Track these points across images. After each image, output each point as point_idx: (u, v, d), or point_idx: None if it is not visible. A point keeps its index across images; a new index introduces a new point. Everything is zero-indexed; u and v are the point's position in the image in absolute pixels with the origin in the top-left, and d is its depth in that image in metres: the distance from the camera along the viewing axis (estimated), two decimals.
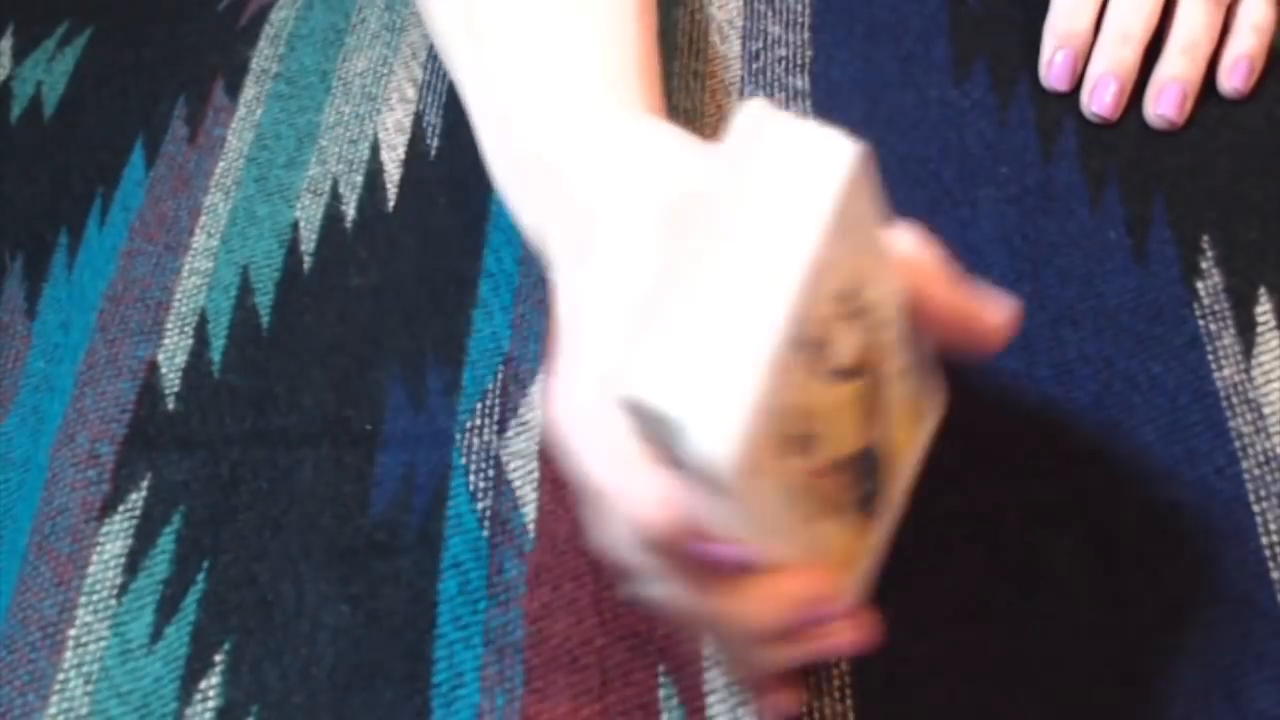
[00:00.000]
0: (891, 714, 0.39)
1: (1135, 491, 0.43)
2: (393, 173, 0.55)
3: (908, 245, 0.36)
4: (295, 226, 0.54)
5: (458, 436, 0.47)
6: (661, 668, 0.40)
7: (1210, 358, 0.46)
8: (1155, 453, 0.44)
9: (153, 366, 0.50)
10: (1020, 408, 0.45)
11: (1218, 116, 0.54)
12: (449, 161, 0.55)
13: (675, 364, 0.29)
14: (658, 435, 0.30)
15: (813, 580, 0.35)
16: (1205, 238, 0.49)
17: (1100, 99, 0.53)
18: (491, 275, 0.51)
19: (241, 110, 0.59)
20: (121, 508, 0.46)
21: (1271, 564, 0.41)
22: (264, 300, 0.52)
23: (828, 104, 0.55)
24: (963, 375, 0.46)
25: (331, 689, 0.41)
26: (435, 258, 0.52)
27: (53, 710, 0.41)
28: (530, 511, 0.44)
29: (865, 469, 0.37)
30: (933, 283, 0.35)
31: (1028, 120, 0.54)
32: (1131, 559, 0.42)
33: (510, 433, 0.46)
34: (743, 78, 0.57)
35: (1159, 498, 0.43)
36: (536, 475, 0.45)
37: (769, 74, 0.57)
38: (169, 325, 0.51)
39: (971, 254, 0.50)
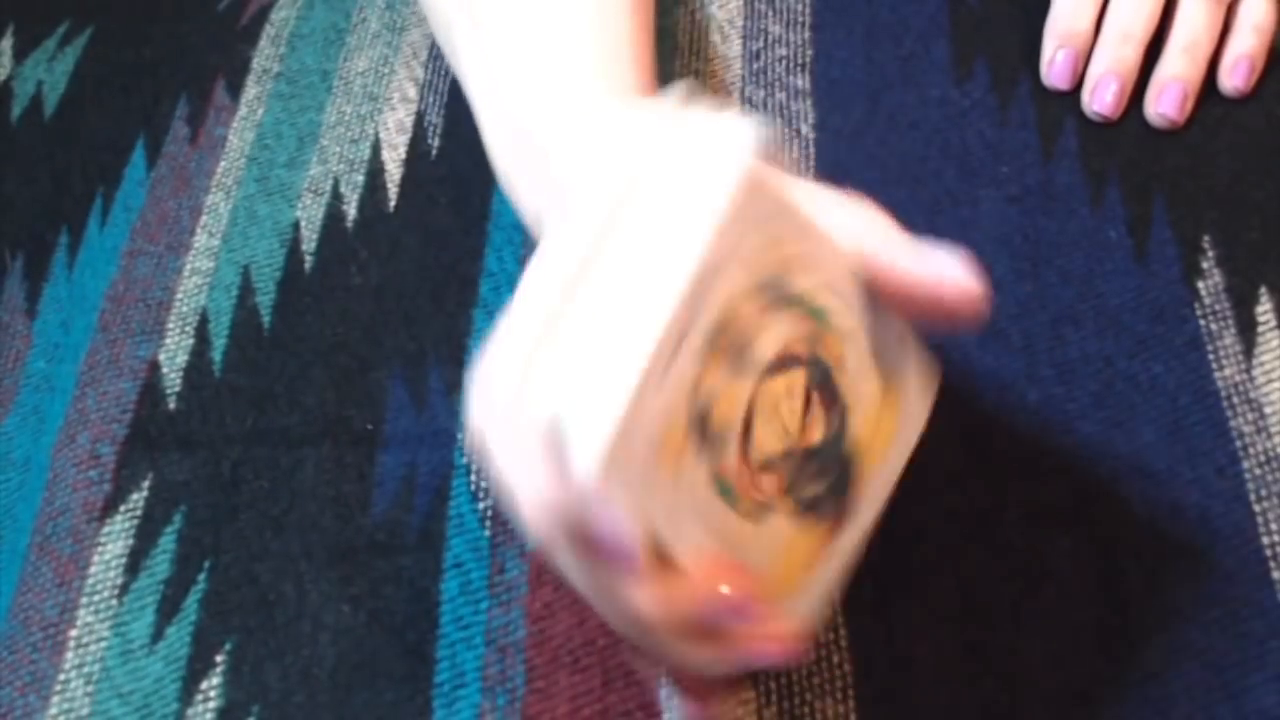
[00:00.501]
0: (892, 714, 0.39)
1: (1135, 491, 0.43)
2: (394, 172, 0.55)
3: (855, 222, 0.35)
4: (296, 226, 0.54)
5: (459, 436, 0.47)
6: (662, 668, 0.41)
7: (1211, 357, 0.46)
8: (1155, 453, 0.44)
9: (154, 366, 0.50)
10: (1021, 408, 0.45)
11: (1218, 116, 0.54)
12: (450, 161, 0.55)
13: (562, 371, 0.30)
14: (549, 437, 0.30)
15: (724, 578, 0.34)
16: (1206, 237, 0.49)
17: (1101, 98, 0.53)
18: (493, 275, 0.51)
19: (243, 110, 0.59)
20: (123, 508, 0.46)
21: (1272, 564, 0.41)
22: (265, 300, 0.52)
23: (828, 103, 0.56)
24: (963, 375, 0.47)
25: (333, 689, 0.41)
26: (436, 257, 0.52)
27: (54, 710, 0.41)
28: None
29: (819, 467, 0.36)
30: (887, 256, 0.35)
31: (1028, 120, 0.54)
32: (1131, 559, 0.42)
33: None
34: (743, 77, 0.57)
35: (1159, 498, 0.43)
36: None
37: (769, 73, 0.57)
38: (170, 325, 0.51)
39: (972, 254, 0.50)
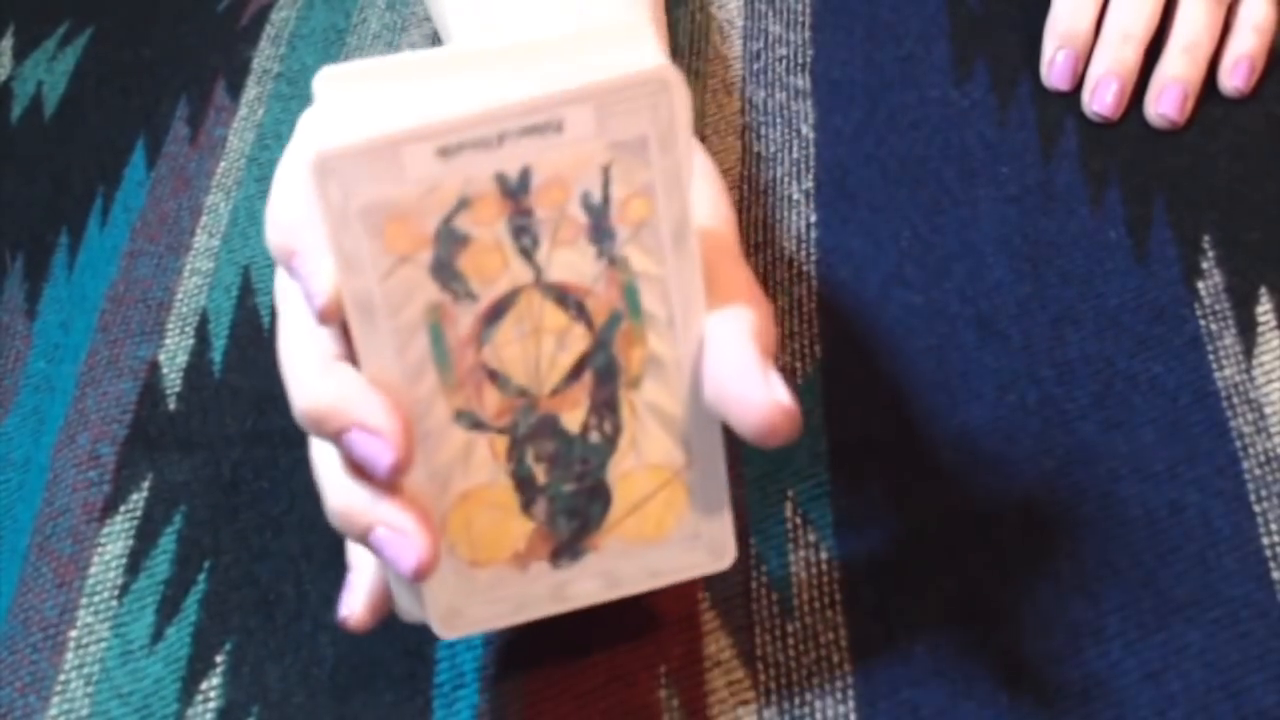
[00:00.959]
0: (892, 714, 0.39)
1: (1135, 491, 0.43)
2: None
3: (743, 319, 0.34)
4: None
5: None
6: (663, 669, 0.41)
7: (1211, 358, 0.46)
8: (1156, 453, 0.44)
9: (154, 367, 0.50)
10: (1021, 408, 0.45)
11: (1218, 116, 0.54)
12: None
13: (358, 123, 0.31)
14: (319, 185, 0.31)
15: (387, 415, 0.32)
16: (1206, 238, 0.49)
17: (1101, 99, 0.53)
18: None
19: (243, 110, 0.59)
20: (123, 508, 0.46)
21: (1272, 564, 0.41)
22: (265, 300, 0.52)
23: (828, 103, 0.56)
24: (963, 375, 0.47)
25: (333, 689, 0.41)
26: None
27: (54, 711, 0.41)
28: None
29: (557, 455, 0.35)
30: (743, 379, 0.33)
31: (1028, 120, 0.54)
32: (1131, 559, 0.42)
33: None
34: (743, 77, 0.57)
35: (1159, 498, 0.43)
36: None
37: (769, 73, 0.57)
38: (170, 325, 0.51)
39: (972, 254, 0.50)
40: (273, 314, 0.51)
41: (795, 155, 0.54)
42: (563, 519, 0.36)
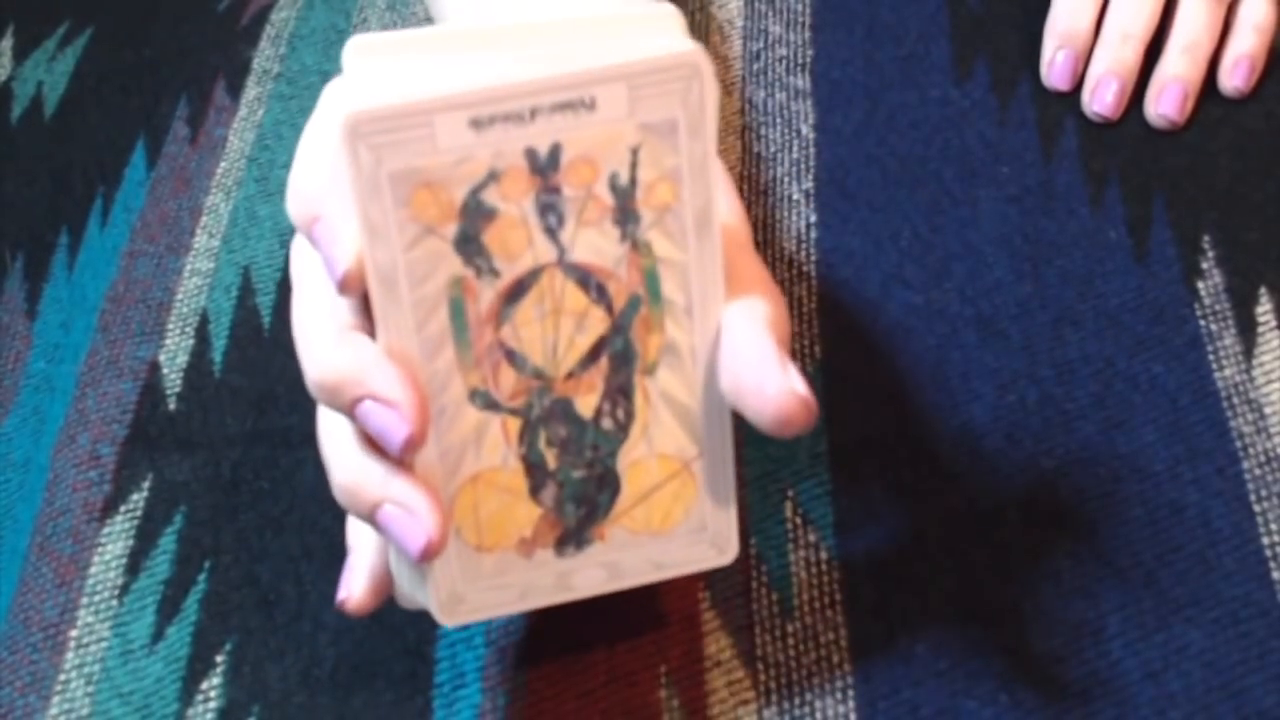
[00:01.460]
0: (892, 714, 0.39)
1: (1135, 491, 0.43)
2: None
3: (759, 313, 0.34)
4: None
5: None
6: (663, 669, 0.41)
7: (1211, 358, 0.46)
8: (1156, 453, 0.44)
9: (154, 367, 0.50)
10: (1021, 408, 0.46)
11: (1218, 116, 0.54)
12: None
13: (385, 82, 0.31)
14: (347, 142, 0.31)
15: (404, 389, 0.32)
16: (1206, 238, 0.49)
17: (1101, 98, 0.53)
18: None
19: (243, 110, 0.59)
20: (123, 508, 0.46)
21: (1272, 564, 0.41)
22: (265, 300, 0.52)
23: (828, 103, 0.56)
24: (963, 375, 0.47)
25: (333, 689, 0.41)
26: None
27: (54, 711, 0.41)
28: None
29: (569, 440, 0.35)
30: (758, 370, 0.33)
31: (1028, 120, 0.54)
32: (1131, 559, 0.42)
33: None
34: (743, 77, 0.57)
35: (1159, 498, 0.43)
36: None
37: (769, 74, 0.57)
38: (170, 326, 0.51)
39: (972, 254, 0.50)
40: (273, 314, 0.51)
41: (795, 155, 0.54)
42: (571, 506, 0.36)
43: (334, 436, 0.35)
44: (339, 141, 0.31)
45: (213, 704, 0.41)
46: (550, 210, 0.32)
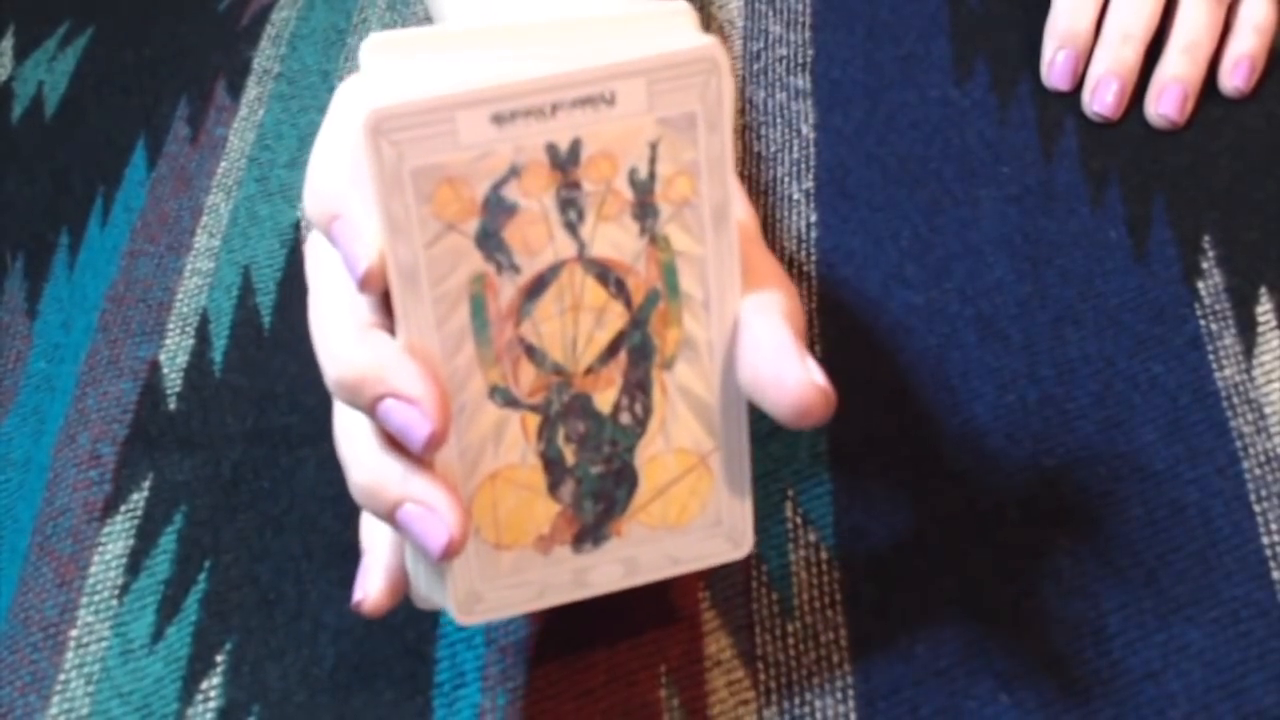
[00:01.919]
0: (892, 714, 0.39)
1: (1135, 491, 0.43)
2: None
3: (777, 303, 0.34)
4: (297, 226, 0.54)
5: None
6: (663, 668, 0.41)
7: (1211, 357, 0.46)
8: (1156, 452, 0.44)
9: (154, 366, 0.50)
10: (1021, 407, 0.46)
11: (1219, 116, 0.54)
12: None
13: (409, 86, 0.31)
14: (370, 144, 0.31)
15: (426, 386, 0.32)
16: (1206, 237, 0.49)
17: (1102, 98, 0.53)
18: None
19: (243, 110, 0.59)
20: (123, 508, 0.46)
21: (1272, 564, 0.41)
22: (265, 300, 0.52)
23: (828, 103, 0.56)
24: (963, 375, 0.47)
25: (333, 689, 0.41)
26: None
27: (54, 711, 0.41)
28: None
29: (587, 434, 0.35)
30: (777, 361, 0.33)
31: (1028, 120, 0.54)
32: (1131, 559, 0.42)
33: None
34: (743, 77, 0.57)
35: (1159, 498, 0.43)
36: None
37: (770, 73, 0.57)
38: (170, 325, 0.51)
39: (972, 254, 0.50)
40: (273, 313, 0.51)
41: (795, 155, 0.54)
42: (589, 502, 0.36)
43: (352, 436, 0.34)
44: (361, 138, 0.31)
45: (213, 704, 0.41)
46: (570, 205, 0.32)
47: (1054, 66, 0.55)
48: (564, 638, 0.41)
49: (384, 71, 0.32)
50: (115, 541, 0.45)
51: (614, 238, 0.33)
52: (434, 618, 0.42)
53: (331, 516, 0.45)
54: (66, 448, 0.48)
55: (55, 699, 0.41)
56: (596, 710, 0.40)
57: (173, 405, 0.49)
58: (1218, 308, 0.47)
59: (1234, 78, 0.54)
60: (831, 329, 0.48)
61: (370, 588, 0.37)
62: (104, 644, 0.43)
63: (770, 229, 0.52)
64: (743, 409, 0.36)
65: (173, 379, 0.49)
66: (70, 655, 0.42)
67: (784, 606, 0.42)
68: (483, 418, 0.34)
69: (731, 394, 0.35)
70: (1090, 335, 0.47)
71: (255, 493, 0.46)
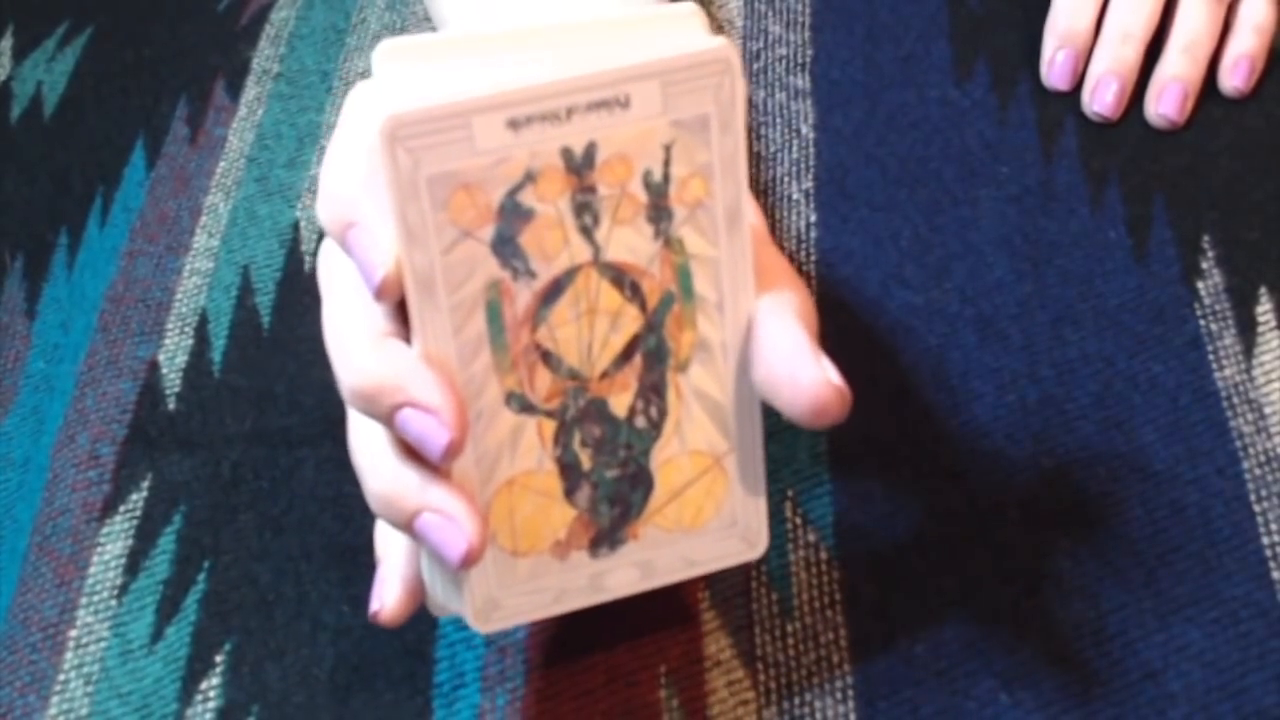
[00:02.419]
0: (892, 714, 0.39)
1: (1135, 491, 0.43)
2: None
3: (789, 301, 0.34)
4: (296, 227, 0.54)
5: None
6: (663, 668, 0.41)
7: (1211, 357, 0.46)
8: (1156, 452, 0.44)
9: (153, 367, 0.50)
10: (1021, 408, 0.45)
11: (1219, 116, 0.54)
12: None
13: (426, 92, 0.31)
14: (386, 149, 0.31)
15: (442, 394, 0.32)
16: (1206, 237, 0.49)
17: (1101, 98, 0.53)
18: None
19: (242, 110, 0.59)
20: (122, 508, 0.46)
21: (1272, 564, 0.41)
22: (265, 300, 0.52)
23: (828, 103, 0.56)
24: (963, 375, 0.47)
25: (332, 689, 0.41)
26: None
27: (53, 711, 0.41)
28: None
29: (603, 439, 0.35)
30: (791, 360, 0.33)
31: (1028, 120, 0.54)
32: (1131, 559, 0.42)
33: None
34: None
35: (1159, 498, 0.43)
36: None
37: (769, 74, 0.57)
38: (170, 325, 0.51)
39: (972, 254, 0.50)
40: (273, 314, 0.51)
41: (795, 155, 0.54)
42: (605, 506, 0.36)
43: (368, 445, 0.34)
44: (377, 145, 0.30)
45: (212, 704, 0.41)
46: (586, 209, 0.32)
47: (1054, 66, 0.55)
48: (564, 638, 0.41)
49: (397, 78, 0.32)
50: (114, 542, 0.45)
51: (629, 241, 0.33)
52: (434, 618, 0.42)
53: (331, 517, 0.45)
54: (66, 448, 0.48)
55: (54, 699, 0.41)
56: (596, 711, 0.40)
57: (172, 405, 0.49)
58: (1218, 308, 0.47)
59: (1234, 78, 0.54)
60: (831, 329, 0.48)
61: (387, 597, 0.37)
62: (103, 644, 0.43)
63: (770, 229, 0.52)
64: (756, 410, 0.36)
65: (172, 379, 0.49)
66: (69, 655, 0.42)
67: (784, 606, 0.42)
68: (499, 424, 0.34)
69: (745, 395, 0.35)
70: (1090, 335, 0.47)
71: (255, 493, 0.46)
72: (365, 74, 0.60)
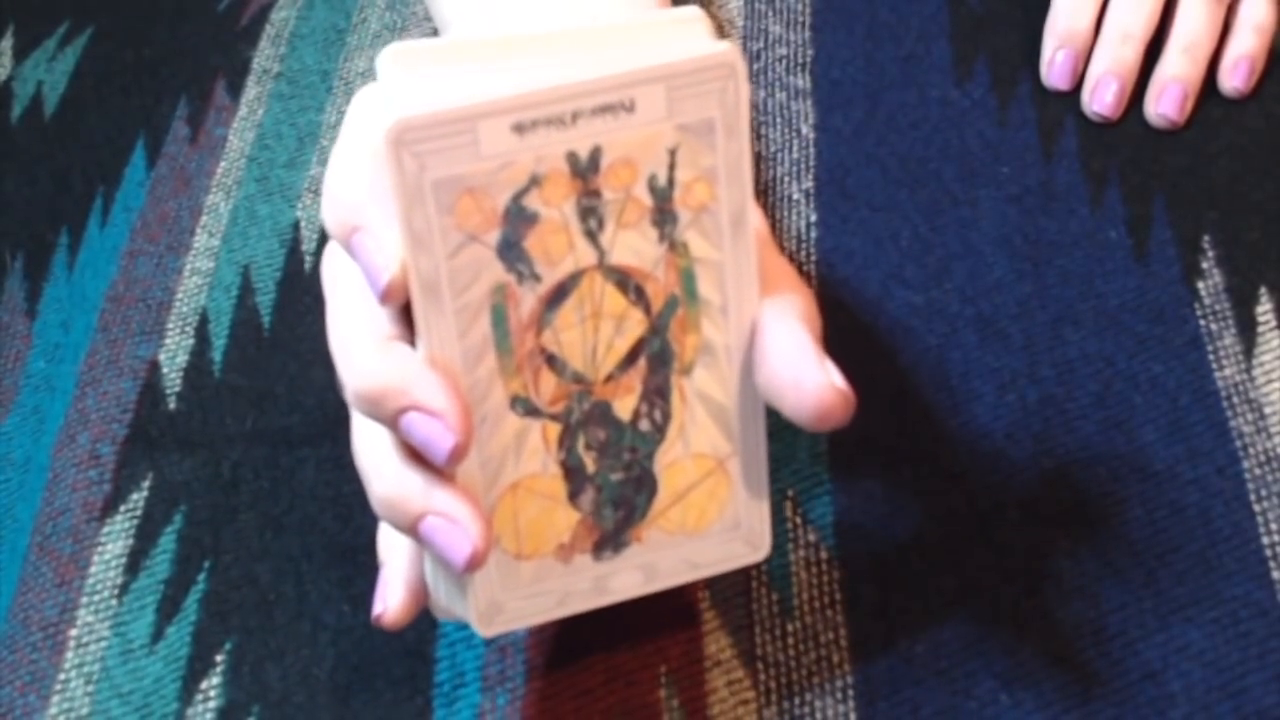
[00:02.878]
0: (892, 714, 0.39)
1: (1135, 491, 0.43)
2: None
3: (794, 304, 0.34)
4: (296, 226, 0.54)
5: None
6: (663, 669, 0.41)
7: (1211, 357, 0.46)
8: (1156, 452, 0.44)
9: (154, 366, 0.50)
10: (1021, 407, 0.46)
11: (1218, 116, 0.54)
12: None
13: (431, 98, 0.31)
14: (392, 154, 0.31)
15: (447, 397, 0.32)
16: (1206, 237, 0.49)
17: (1101, 98, 0.53)
18: None
19: (243, 110, 0.59)
20: (123, 508, 0.46)
21: (1272, 564, 0.41)
22: (265, 300, 0.52)
23: (828, 103, 0.56)
24: (963, 375, 0.47)
25: (333, 689, 0.41)
26: None
27: (54, 710, 0.41)
28: None
29: (607, 441, 0.35)
30: (796, 363, 0.33)
31: (1028, 120, 0.54)
32: (1131, 559, 0.42)
33: None
34: None
35: (1159, 498, 0.43)
36: None
37: (770, 73, 0.57)
38: (170, 325, 0.51)
39: (972, 254, 0.50)
40: (273, 313, 0.51)
41: (795, 155, 0.54)
42: (609, 509, 0.36)
43: (372, 449, 0.34)
44: (382, 150, 0.30)
45: (212, 704, 0.41)
46: (591, 213, 0.32)
47: (1053, 66, 0.55)
48: (564, 638, 0.41)
49: (402, 82, 0.32)
50: (115, 541, 0.45)
51: (634, 245, 0.33)
52: (434, 618, 0.42)
53: (331, 517, 0.45)
54: (66, 448, 0.48)
55: (55, 699, 0.41)
56: (596, 710, 0.40)
57: (172, 405, 0.49)
58: (1218, 308, 0.47)
59: (1234, 78, 0.54)
60: (831, 329, 0.48)
61: (391, 600, 0.37)
62: (104, 644, 0.43)
63: (770, 229, 0.51)
64: (760, 413, 0.36)
65: (172, 379, 0.49)
66: (70, 655, 0.42)
67: (784, 606, 0.42)
68: (504, 428, 0.34)
69: (749, 398, 0.35)
70: (1090, 335, 0.47)
71: (255, 493, 0.46)
72: (366, 74, 0.60)
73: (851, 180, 0.53)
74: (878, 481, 0.44)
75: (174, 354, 0.50)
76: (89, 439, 0.48)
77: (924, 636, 0.41)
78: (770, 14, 0.59)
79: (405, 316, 0.33)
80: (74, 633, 0.43)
